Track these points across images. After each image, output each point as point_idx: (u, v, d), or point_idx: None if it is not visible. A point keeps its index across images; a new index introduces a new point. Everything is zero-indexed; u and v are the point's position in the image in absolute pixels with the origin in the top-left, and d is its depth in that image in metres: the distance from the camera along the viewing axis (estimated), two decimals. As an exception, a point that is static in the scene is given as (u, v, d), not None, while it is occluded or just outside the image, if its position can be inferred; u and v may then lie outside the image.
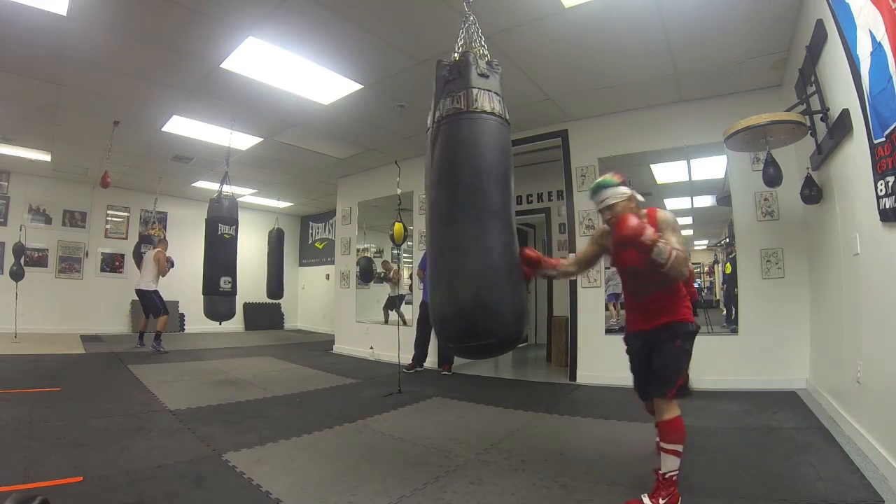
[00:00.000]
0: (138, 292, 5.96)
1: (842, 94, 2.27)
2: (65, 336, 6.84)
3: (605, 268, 4.32)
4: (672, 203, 5.49)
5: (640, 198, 1.92)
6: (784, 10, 2.86)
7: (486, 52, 1.96)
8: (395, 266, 7.34)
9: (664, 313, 1.89)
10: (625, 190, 1.89)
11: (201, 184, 7.55)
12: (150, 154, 6.06)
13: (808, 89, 2.75)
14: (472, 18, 2.00)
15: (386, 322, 6.74)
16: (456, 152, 1.78)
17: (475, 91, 1.78)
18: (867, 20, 1.77)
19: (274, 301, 8.71)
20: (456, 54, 1.88)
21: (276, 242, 7.71)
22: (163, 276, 6.02)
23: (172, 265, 6.20)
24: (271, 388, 4.00)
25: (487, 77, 1.84)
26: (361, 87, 4.02)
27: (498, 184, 1.77)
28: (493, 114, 1.80)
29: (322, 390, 4.08)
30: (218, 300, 4.33)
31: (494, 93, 1.83)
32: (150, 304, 5.95)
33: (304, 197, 8.75)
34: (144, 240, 6.62)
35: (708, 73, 3.65)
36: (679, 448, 1.79)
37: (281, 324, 10.35)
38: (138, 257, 6.40)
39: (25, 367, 4.39)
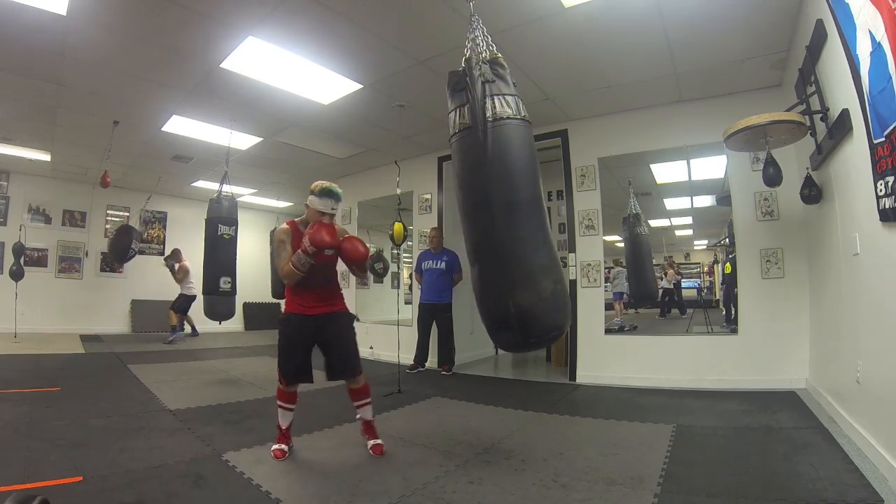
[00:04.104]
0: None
1: (842, 94, 2.27)
2: (65, 336, 6.83)
3: (608, 268, 4.32)
4: (672, 203, 5.49)
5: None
6: (784, 10, 2.86)
7: (495, 50, 2.03)
8: None
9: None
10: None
11: (201, 184, 7.54)
12: (149, 154, 6.05)
13: (808, 89, 2.75)
14: (477, 18, 2.03)
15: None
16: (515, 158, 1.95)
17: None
18: (867, 20, 1.77)
19: (274, 301, 8.69)
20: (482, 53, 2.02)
21: (278, 243, 7.70)
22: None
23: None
24: (271, 388, 3.97)
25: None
26: (361, 87, 4.01)
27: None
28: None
29: (322, 390, 4.06)
30: (218, 300, 4.34)
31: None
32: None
33: (304, 197, 8.63)
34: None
35: (708, 73, 3.65)
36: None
37: (281, 324, 10.33)
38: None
39: (25, 367, 4.39)
